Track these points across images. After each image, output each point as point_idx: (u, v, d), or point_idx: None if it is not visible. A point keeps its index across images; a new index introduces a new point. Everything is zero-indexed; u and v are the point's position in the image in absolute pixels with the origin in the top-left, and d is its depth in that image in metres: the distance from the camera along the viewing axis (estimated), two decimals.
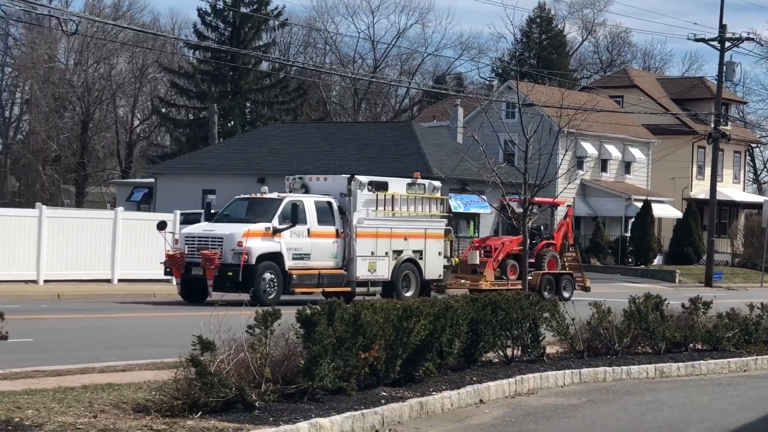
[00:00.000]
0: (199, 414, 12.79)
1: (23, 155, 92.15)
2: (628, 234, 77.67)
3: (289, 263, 33.54)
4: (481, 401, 16.14)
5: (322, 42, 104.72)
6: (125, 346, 22.24)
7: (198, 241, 33.08)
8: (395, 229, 36.43)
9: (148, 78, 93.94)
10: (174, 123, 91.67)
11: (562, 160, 49.33)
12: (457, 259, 41.88)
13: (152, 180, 72.52)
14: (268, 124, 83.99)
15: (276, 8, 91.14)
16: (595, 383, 19.03)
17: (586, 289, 43.98)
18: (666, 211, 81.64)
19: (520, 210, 36.26)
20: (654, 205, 77.32)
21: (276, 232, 33.16)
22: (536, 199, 41.76)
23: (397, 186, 37.69)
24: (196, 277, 32.41)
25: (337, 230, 35.04)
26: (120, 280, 42.10)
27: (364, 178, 36.62)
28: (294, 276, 33.71)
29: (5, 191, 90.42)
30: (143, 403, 13.58)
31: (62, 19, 69.18)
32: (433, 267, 38.14)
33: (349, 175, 36.52)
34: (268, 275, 32.63)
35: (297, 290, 34.17)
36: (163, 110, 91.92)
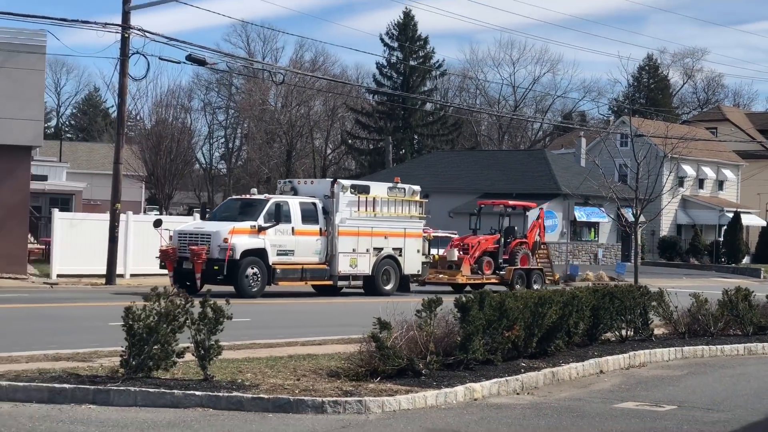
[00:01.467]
0: (378, 379, 12.95)
1: (242, 177, 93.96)
2: (721, 239, 76.84)
3: (273, 258, 30.24)
4: (601, 372, 16.00)
5: (474, 87, 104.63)
6: (319, 325, 22.54)
7: (189, 237, 30.08)
8: (376, 228, 32.97)
9: (338, 116, 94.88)
10: (358, 151, 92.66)
11: (666, 180, 48.38)
12: (437, 256, 37.66)
13: None
14: (431, 152, 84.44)
15: (437, 61, 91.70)
16: (694, 359, 18.71)
17: (556, 282, 39.72)
18: (753, 221, 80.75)
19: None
20: (743, 216, 76.29)
21: (261, 230, 29.87)
22: (510, 202, 41.23)
23: (379, 189, 34.12)
24: (186, 270, 29.48)
25: (320, 229, 31.57)
26: None
27: (346, 182, 33.60)
28: (278, 270, 30.33)
29: None
30: (335, 369, 13.77)
31: (272, 72, 70.58)
32: (412, 263, 34.48)
33: (332, 179, 33.99)
34: (251, 270, 29.46)
35: (281, 283, 31.21)
36: (350, 141, 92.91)
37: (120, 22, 36.73)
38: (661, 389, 14.89)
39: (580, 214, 65.97)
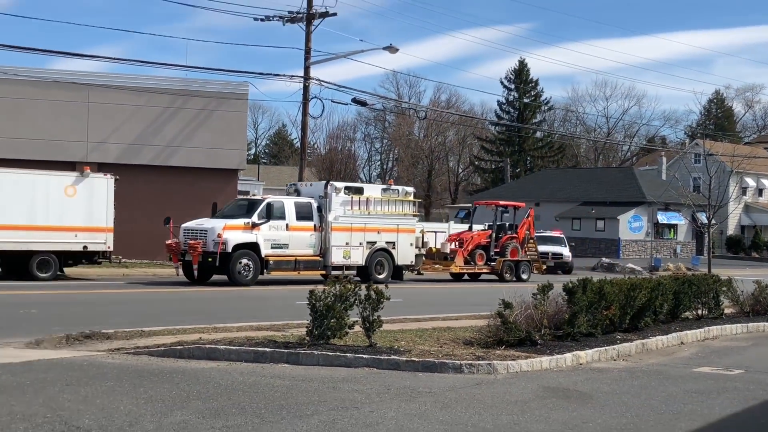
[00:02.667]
0: (503, 347, 12.83)
1: None
2: None
3: (266, 251, 27.40)
4: (681, 343, 15.48)
5: (574, 118, 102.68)
6: (455, 304, 22.47)
7: (191, 233, 27.35)
8: (369, 224, 29.95)
9: (467, 143, 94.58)
10: (482, 171, 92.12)
11: (733, 190, 46.84)
12: (434, 249, 34.22)
13: (470, 205, 73.05)
14: (541, 170, 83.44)
15: (545, 99, 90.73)
16: (757, 333, 17.98)
17: (541, 272, 35.96)
18: None
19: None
20: None
21: (254, 226, 27.16)
22: (501, 202, 38.52)
23: (373, 190, 31.23)
24: (189, 261, 27.03)
25: (315, 225, 28.71)
26: None
27: (339, 184, 30.43)
28: (271, 262, 27.57)
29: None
30: (469, 339, 13.70)
31: (416, 110, 70.70)
32: (405, 255, 31.30)
33: (326, 181, 30.83)
34: (243, 261, 26.79)
35: (274, 273, 28.26)
36: (476, 163, 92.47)
37: (302, 75, 37.48)
38: (730, 357, 14.34)
39: (662, 218, 64.88)
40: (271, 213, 27.51)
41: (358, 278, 28.70)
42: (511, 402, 9.64)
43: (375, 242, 30.22)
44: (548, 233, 47.61)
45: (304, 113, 37.84)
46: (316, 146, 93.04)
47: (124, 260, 31.22)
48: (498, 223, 36.28)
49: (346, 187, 30.15)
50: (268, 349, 12.00)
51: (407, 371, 11.28)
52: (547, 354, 12.47)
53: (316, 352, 11.79)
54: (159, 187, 37.49)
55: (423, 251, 32.90)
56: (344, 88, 61.31)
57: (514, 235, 35.62)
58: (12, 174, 27.29)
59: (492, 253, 34.61)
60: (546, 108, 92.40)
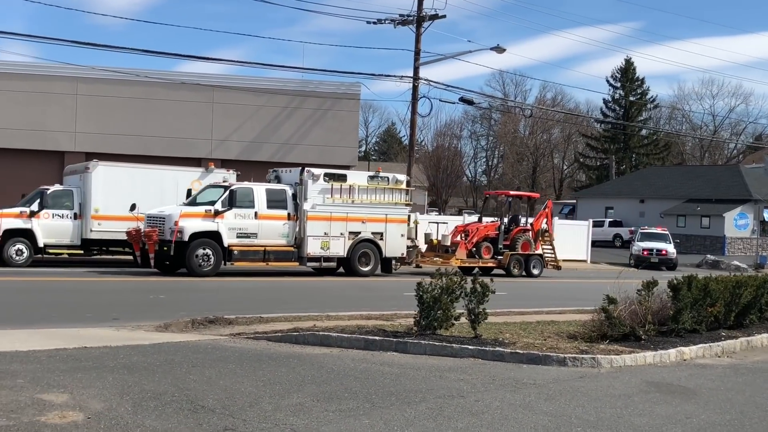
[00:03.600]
0: (606, 341, 12.62)
1: (498, 187, 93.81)
2: None
3: (230, 240, 24.87)
4: None
5: (680, 116, 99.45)
6: (560, 298, 22.17)
7: (152, 220, 24.98)
8: (352, 214, 27.03)
9: (572, 141, 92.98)
10: (587, 168, 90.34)
11: None
12: (436, 241, 31.66)
13: (574, 201, 71.94)
14: (646, 167, 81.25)
15: (651, 97, 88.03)
16: None
17: (558, 268, 33.15)
18: None
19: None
20: None
21: (217, 213, 24.64)
22: (512, 192, 35.28)
23: (358, 178, 27.90)
24: (146, 250, 24.69)
25: (288, 213, 25.97)
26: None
27: (317, 170, 27.07)
28: (235, 251, 24.94)
29: (487, 207, 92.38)
30: (572, 333, 13.50)
31: (522, 108, 69.96)
32: (395, 247, 28.09)
33: (301, 167, 27.32)
34: (201, 251, 24.21)
35: (239, 264, 25.46)
36: (581, 160, 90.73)
37: (412, 75, 37.60)
38: None
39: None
40: (235, 200, 25.06)
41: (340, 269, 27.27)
42: (614, 395, 9.48)
43: (359, 233, 27.32)
44: (653, 230, 46.49)
45: (413, 112, 37.97)
46: (423, 143, 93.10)
47: None
48: (512, 214, 33.75)
49: (327, 174, 27.17)
50: (377, 338, 12.13)
51: (511, 363, 11.22)
52: (650, 349, 12.19)
53: (423, 342, 11.85)
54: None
55: (416, 242, 30.03)
56: (452, 87, 61.26)
57: (527, 227, 32.51)
58: (144, 169, 28.37)
59: (500, 246, 31.53)
60: (651, 106, 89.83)
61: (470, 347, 11.63)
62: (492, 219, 34.07)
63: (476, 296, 12.32)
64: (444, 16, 36.70)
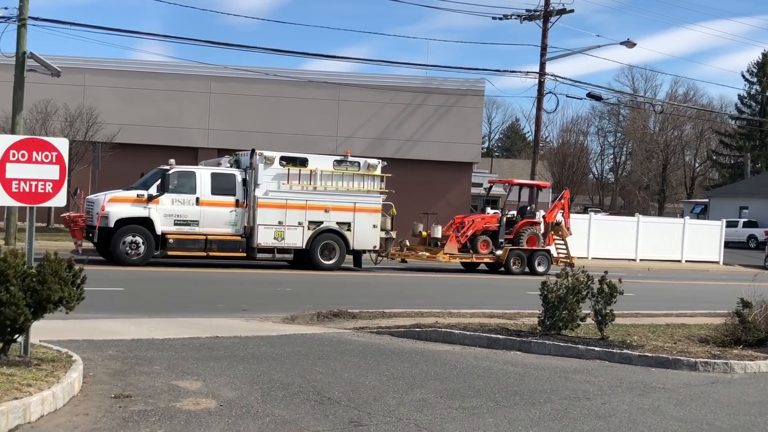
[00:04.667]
0: (740, 346, 12.15)
1: (626, 185, 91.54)
2: None
3: (165, 228, 22.97)
4: None
5: None
6: (691, 300, 21.44)
7: (88, 205, 23.61)
8: (312, 202, 24.61)
9: (704, 138, 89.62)
10: (720, 165, 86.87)
11: None
12: (425, 233, 28.32)
13: (706, 200, 69.33)
14: None
15: None
16: None
17: (570, 265, 28.10)
18: None
19: None
20: None
21: (151, 198, 22.85)
22: (516, 181, 31.63)
23: (321, 162, 25.24)
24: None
25: (237, 200, 23.84)
26: (686, 261, 40.62)
27: (271, 153, 24.59)
28: (171, 240, 22.98)
29: (615, 206, 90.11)
30: (704, 337, 13.05)
31: (652, 104, 68.02)
32: (366, 238, 25.51)
33: (251, 150, 25.01)
34: (129, 238, 22.54)
35: (175, 253, 23.24)
36: (713, 158, 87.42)
37: (538, 70, 37.13)
38: None
39: None
40: (170, 185, 23.20)
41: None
42: (748, 402, 9.11)
43: (321, 222, 24.99)
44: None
45: (539, 108, 37.52)
46: (549, 140, 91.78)
47: None
48: (520, 206, 30.71)
49: (283, 158, 24.75)
50: (500, 336, 12.06)
51: (639, 366, 10.94)
52: None
53: (547, 342, 11.70)
54: (398, 179, 38.49)
55: (391, 235, 26.88)
56: (578, 83, 60.00)
57: (534, 220, 29.17)
58: None
59: (501, 240, 28.31)
60: None
61: (596, 349, 11.41)
62: (501, 211, 30.46)
63: (603, 297, 12.09)
64: (572, 11, 36.10)
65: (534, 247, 28.36)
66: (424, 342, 12.12)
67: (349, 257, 25.99)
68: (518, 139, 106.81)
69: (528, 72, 37.79)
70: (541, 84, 36.92)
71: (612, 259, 37.64)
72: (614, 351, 11.32)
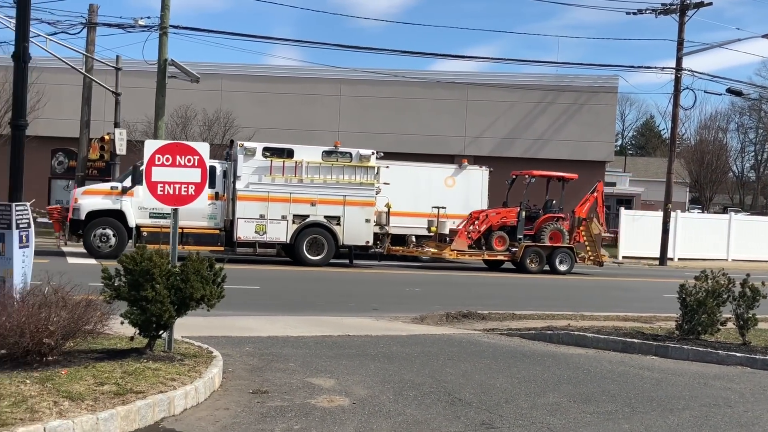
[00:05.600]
0: None
1: None
2: None
3: (139, 221, 22.72)
4: None
5: None
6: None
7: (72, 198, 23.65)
8: (297, 195, 23.65)
9: None
10: None
11: None
12: (434, 228, 26.90)
13: None
14: None
15: None
16: None
17: (599, 264, 27.65)
18: None
19: None
20: None
21: (125, 191, 22.70)
22: (536, 172, 28.25)
23: (309, 154, 24.25)
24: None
25: (216, 192, 23.28)
26: None
27: (253, 144, 24.17)
28: (145, 233, 22.57)
29: (756, 205, 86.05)
30: None
31: None
32: (357, 233, 24.39)
33: (231, 140, 24.48)
34: (99, 230, 22.51)
35: (151, 247, 22.36)
36: None
37: (674, 66, 36.00)
38: None
39: None
40: (139, 177, 21.72)
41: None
42: None
43: (307, 216, 24.12)
44: None
45: (675, 104, 36.32)
46: (685, 137, 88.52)
47: None
48: (547, 199, 28.15)
49: (266, 149, 24.18)
50: (636, 340, 11.74)
51: None
52: None
53: (685, 347, 11.31)
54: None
55: (388, 229, 26.01)
56: (717, 78, 57.77)
57: (558, 215, 27.25)
58: (400, 167, 29.23)
59: (520, 236, 26.54)
60: None
61: (738, 354, 10.96)
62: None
63: (745, 300, 11.61)
64: (710, 3, 34.78)
65: (556, 244, 26.55)
66: (555, 345, 11.96)
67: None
68: (653, 136, 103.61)
69: (664, 68, 36.65)
70: (677, 80, 35.76)
71: (755, 261, 36.05)
72: (757, 357, 10.84)
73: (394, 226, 27.13)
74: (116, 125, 31.10)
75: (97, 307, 8.13)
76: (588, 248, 27.38)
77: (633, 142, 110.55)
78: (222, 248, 23.38)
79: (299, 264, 24.08)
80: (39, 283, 8.47)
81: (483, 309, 14.91)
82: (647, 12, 36.28)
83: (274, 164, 23.83)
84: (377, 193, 25.13)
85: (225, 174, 23.68)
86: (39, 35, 26.64)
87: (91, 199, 23.10)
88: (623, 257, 36.76)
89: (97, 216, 22.96)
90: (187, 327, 10.25)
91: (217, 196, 23.47)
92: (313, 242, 24.27)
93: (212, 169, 23.11)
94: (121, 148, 25.91)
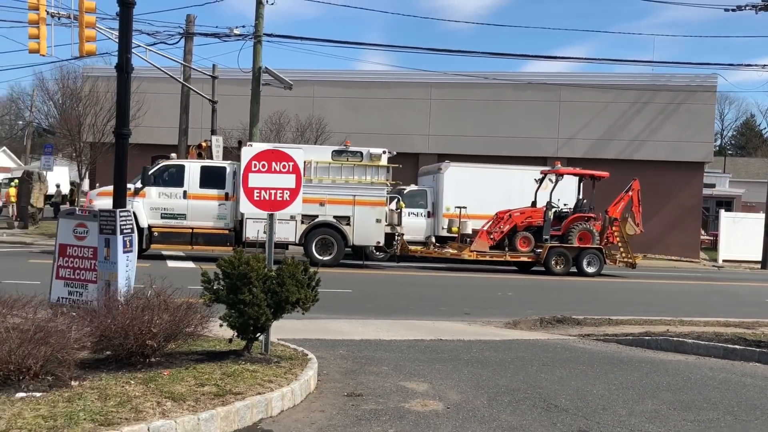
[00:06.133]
0: None
1: None
2: None
3: (150, 221, 23.01)
4: None
5: None
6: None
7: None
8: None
9: None
10: None
11: None
12: (456, 229, 26.42)
13: None
14: None
15: None
16: None
17: (632, 266, 26.19)
18: None
19: None
20: None
21: (137, 192, 22.81)
22: (563, 170, 26.88)
23: (317, 153, 23.95)
24: None
25: (227, 193, 23.32)
26: None
27: (260, 144, 21.60)
28: (156, 234, 23.01)
29: None
30: None
31: None
32: (368, 233, 23.94)
33: (239, 140, 23.69)
34: None
35: (160, 246, 23.39)
36: None
37: None
38: None
39: None
40: (156, 178, 23.37)
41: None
42: None
43: (316, 216, 23.70)
44: None
45: None
46: None
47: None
48: (579, 197, 26.99)
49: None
50: (738, 347, 11.38)
51: None
52: None
53: None
54: (623, 181, 37.44)
55: (399, 229, 25.24)
56: None
57: (587, 214, 26.03)
58: (491, 169, 29.14)
59: (547, 236, 25.59)
60: None
61: None
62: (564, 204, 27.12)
63: None
64: None
65: (586, 245, 25.46)
66: (654, 351, 11.69)
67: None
68: (753, 136, 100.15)
69: (765, 65, 35.45)
70: None
71: None
72: None
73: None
74: (213, 132, 31.86)
75: (197, 309, 8.35)
76: (621, 249, 26.42)
77: (732, 141, 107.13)
78: (231, 248, 22.94)
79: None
80: (141, 286, 8.77)
81: (578, 314, 14.69)
82: (747, 8, 35.14)
83: None
84: (389, 192, 24.57)
85: (234, 174, 23.41)
86: (139, 46, 27.50)
87: (104, 200, 22.81)
88: (723, 261, 35.71)
89: None
90: (283, 330, 10.42)
91: (227, 197, 23.56)
92: (322, 242, 24.08)
93: (222, 170, 23.60)
94: (218, 155, 26.58)
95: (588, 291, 21.15)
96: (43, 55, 22.82)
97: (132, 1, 10.23)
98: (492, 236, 25.33)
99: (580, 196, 26.90)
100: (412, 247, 25.90)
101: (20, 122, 74.64)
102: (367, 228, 24.05)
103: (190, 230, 23.36)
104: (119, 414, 6.29)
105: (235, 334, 8.55)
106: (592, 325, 13.78)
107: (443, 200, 28.43)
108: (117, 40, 10.62)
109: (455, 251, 25.53)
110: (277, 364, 8.43)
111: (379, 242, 24.36)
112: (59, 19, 24.22)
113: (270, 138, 33.71)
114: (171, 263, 22.26)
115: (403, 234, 25.49)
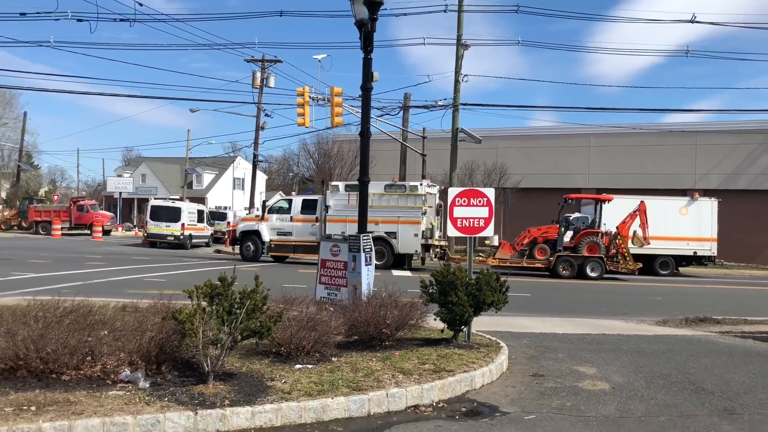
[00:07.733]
0: None
1: None
2: None
3: (271, 237, 24.77)
4: None
5: None
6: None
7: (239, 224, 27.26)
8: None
9: None
10: None
11: None
12: (488, 241, 26.34)
13: None
14: None
15: None
16: None
17: (632, 272, 23.56)
18: None
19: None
20: None
21: (262, 218, 25.01)
22: (572, 195, 25.54)
23: (375, 187, 23.43)
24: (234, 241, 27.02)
25: (317, 217, 24.50)
26: None
27: (337, 183, 24.95)
28: (272, 245, 24.71)
29: None
30: None
31: None
32: (408, 244, 23.79)
33: (322, 181, 26.21)
34: (247, 243, 24.93)
35: (275, 254, 24.84)
36: None
37: None
38: None
39: None
40: (269, 207, 25.24)
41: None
42: None
43: (372, 232, 21.14)
44: None
45: None
46: None
47: (724, 263, 29.21)
48: (593, 217, 24.90)
49: (347, 185, 24.53)
50: None
51: None
52: None
53: None
54: (752, 207, 34.39)
55: (434, 242, 24.58)
56: None
57: (593, 230, 24.29)
58: (639, 199, 27.66)
59: (560, 247, 24.00)
60: None
61: None
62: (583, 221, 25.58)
63: None
64: None
65: (591, 255, 23.81)
66: None
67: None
68: None
69: None
70: None
71: None
72: None
73: (635, 250, 25.41)
74: (423, 177, 32.38)
75: (417, 307, 8.50)
76: (627, 258, 24.25)
77: None
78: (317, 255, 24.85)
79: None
80: (376, 289, 9.03)
81: (717, 315, 13.46)
82: None
83: (351, 196, 24.09)
84: (423, 214, 24.28)
85: (320, 204, 24.88)
86: (372, 117, 28.59)
87: (244, 224, 25.88)
88: None
89: (246, 234, 25.41)
90: (479, 323, 10.33)
91: (317, 220, 24.78)
92: (377, 252, 23.85)
93: (315, 201, 24.99)
94: (429, 193, 27.05)
95: (711, 296, 19.35)
96: (307, 127, 24.62)
97: (370, 86, 10.66)
98: (514, 247, 24.88)
99: (595, 216, 25.20)
100: (453, 256, 25.38)
101: (290, 174, 79.62)
102: (407, 240, 24.30)
103: (293, 243, 24.87)
104: (366, 382, 6.50)
105: (445, 326, 8.60)
106: (730, 324, 12.57)
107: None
108: (358, 115, 11.14)
109: (482, 258, 24.83)
110: (477, 349, 8.37)
111: (417, 251, 24.36)
112: (317, 101, 25.87)
113: (464, 181, 33.81)
114: (395, 272, 22.71)
115: (434, 245, 24.96)
